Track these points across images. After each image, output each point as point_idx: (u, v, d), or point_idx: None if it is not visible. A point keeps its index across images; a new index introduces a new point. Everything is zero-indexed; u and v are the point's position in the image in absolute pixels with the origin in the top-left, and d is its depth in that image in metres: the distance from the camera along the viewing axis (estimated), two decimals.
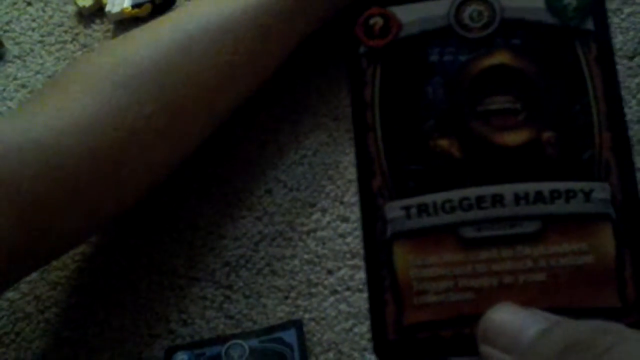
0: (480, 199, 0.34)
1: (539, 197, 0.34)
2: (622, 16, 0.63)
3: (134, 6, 0.73)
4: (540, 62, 0.36)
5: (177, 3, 0.74)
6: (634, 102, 0.58)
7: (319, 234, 0.56)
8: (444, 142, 0.35)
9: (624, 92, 0.59)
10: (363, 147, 0.36)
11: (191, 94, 0.54)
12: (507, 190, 0.34)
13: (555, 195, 0.34)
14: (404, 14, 0.37)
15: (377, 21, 0.38)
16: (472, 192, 0.34)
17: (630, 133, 0.54)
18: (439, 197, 0.34)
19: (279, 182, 0.59)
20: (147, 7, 0.73)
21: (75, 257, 0.57)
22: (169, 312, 0.54)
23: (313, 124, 0.62)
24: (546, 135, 0.35)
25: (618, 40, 0.62)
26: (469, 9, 0.37)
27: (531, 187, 0.34)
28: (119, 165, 0.50)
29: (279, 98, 0.63)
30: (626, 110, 0.57)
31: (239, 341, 0.51)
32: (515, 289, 0.34)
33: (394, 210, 0.35)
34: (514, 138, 0.35)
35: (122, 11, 0.73)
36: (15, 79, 0.72)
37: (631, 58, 0.61)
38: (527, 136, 0.35)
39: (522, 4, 0.37)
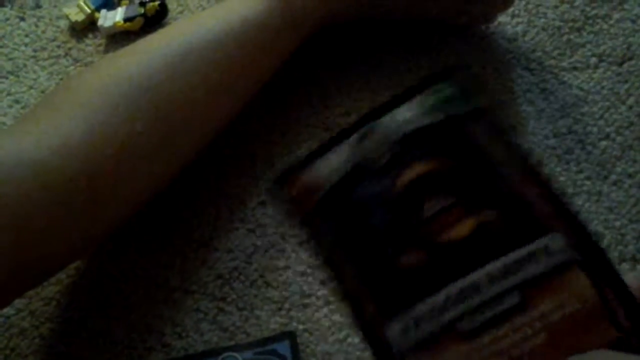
0: (461, 293, 0.35)
1: (508, 270, 0.35)
2: (611, 22, 0.64)
3: (125, 20, 0.73)
4: (450, 155, 0.38)
5: (168, 16, 0.74)
6: (623, 107, 0.59)
7: (312, 245, 0.56)
8: (409, 258, 0.37)
9: (613, 98, 0.59)
10: (347, 286, 0.40)
11: (182, 111, 0.54)
12: (479, 275, 0.35)
13: (520, 263, 0.35)
14: (315, 173, 0.40)
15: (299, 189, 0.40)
16: (452, 289, 0.35)
17: (621, 139, 0.55)
18: (426, 305, 0.36)
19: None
20: (139, 21, 0.73)
21: (69, 272, 0.57)
22: (163, 325, 0.54)
23: (305, 135, 0.62)
24: (486, 214, 0.36)
25: (607, 46, 0.62)
26: (367, 143, 0.39)
27: (497, 264, 0.35)
28: (111, 183, 0.51)
29: (270, 109, 0.63)
30: (616, 116, 0.58)
31: (233, 353, 0.51)
32: (525, 356, 0.35)
33: (392, 330, 0.36)
34: (462, 229, 0.37)
35: (114, 25, 0.73)
36: (8, 94, 0.73)
37: (620, 64, 0.61)
38: (472, 223, 0.37)
39: (406, 116, 0.39)
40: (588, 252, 0.36)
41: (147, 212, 0.56)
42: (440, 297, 0.36)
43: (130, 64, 0.54)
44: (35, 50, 0.76)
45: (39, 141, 0.49)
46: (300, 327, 0.52)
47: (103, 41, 0.74)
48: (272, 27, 0.59)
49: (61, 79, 0.72)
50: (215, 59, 0.56)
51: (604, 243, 0.53)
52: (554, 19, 0.66)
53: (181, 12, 0.75)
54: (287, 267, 0.55)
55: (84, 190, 0.49)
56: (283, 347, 0.51)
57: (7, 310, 0.56)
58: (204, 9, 0.74)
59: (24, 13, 0.78)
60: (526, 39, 0.65)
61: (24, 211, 0.47)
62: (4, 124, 0.70)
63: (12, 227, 0.46)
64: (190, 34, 0.56)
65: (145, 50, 0.55)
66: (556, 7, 0.66)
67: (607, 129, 0.58)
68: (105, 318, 0.55)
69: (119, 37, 0.74)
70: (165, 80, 0.54)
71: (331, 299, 0.53)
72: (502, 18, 0.66)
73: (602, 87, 0.61)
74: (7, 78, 0.74)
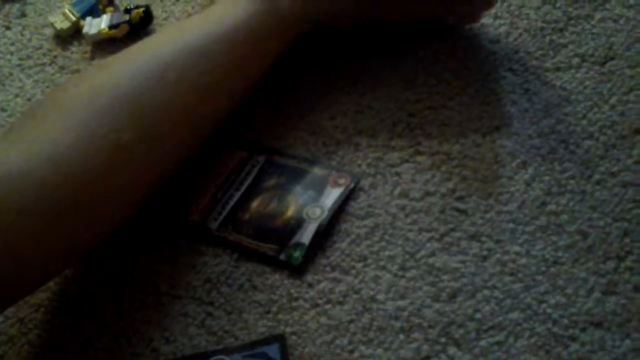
0: None
1: None
2: (593, 22, 0.64)
3: (110, 27, 0.74)
4: None
5: (153, 22, 0.74)
6: (606, 107, 0.59)
7: None
8: None
9: (596, 98, 0.59)
10: None
11: (169, 119, 0.54)
12: None
13: None
14: None
15: None
16: None
17: (604, 139, 0.55)
18: None
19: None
20: (124, 28, 0.74)
21: (57, 279, 0.57)
22: (151, 330, 0.54)
23: (291, 139, 0.62)
24: None
25: (589, 46, 0.63)
26: None
27: None
28: (98, 193, 0.51)
29: (257, 112, 0.64)
30: (599, 115, 0.58)
31: (223, 357, 0.51)
32: None
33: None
34: None
35: (99, 32, 0.74)
36: None
37: (603, 64, 0.62)
38: None
39: None
40: None
41: (134, 218, 0.56)
42: None
43: (116, 74, 0.54)
44: (21, 59, 0.76)
45: (26, 153, 0.49)
46: (288, 329, 0.52)
47: (88, 48, 0.75)
48: (258, 31, 0.59)
49: (47, 87, 0.72)
50: (203, 65, 0.56)
51: (588, 242, 0.53)
52: (536, 20, 0.66)
53: (166, 19, 0.75)
54: (274, 271, 0.55)
55: (73, 200, 0.49)
56: (272, 350, 0.51)
57: None
58: (189, 15, 0.75)
59: (9, 22, 0.79)
60: (509, 40, 0.65)
61: (13, 223, 0.47)
62: None
63: (2, 239, 0.46)
64: (176, 41, 0.57)
65: (130, 60, 0.56)
66: (538, 8, 0.67)
67: (590, 129, 0.58)
68: (94, 324, 0.55)
69: (105, 44, 0.74)
70: (152, 88, 0.54)
71: (319, 301, 0.53)
72: (485, 20, 0.66)
73: (585, 87, 0.61)
74: None
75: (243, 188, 0.59)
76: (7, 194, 0.47)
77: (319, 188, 0.58)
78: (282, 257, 0.55)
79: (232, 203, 0.59)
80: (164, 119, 0.55)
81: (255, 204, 0.58)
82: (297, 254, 0.55)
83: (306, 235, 0.55)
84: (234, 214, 0.58)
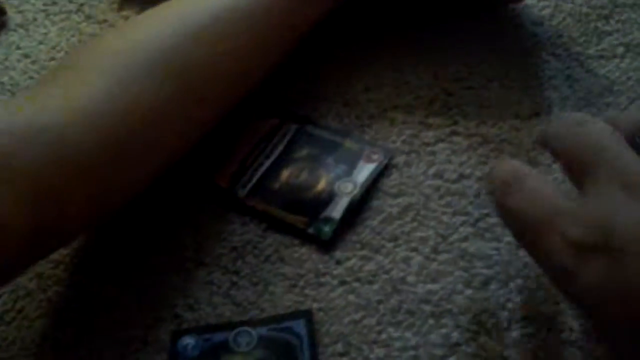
0: None
1: None
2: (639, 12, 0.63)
3: None
4: None
5: None
6: None
7: None
8: None
9: (639, 89, 0.58)
10: None
11: (204, 79, 0.53)
12: None
13: None
14: None
15: None
16: None
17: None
18: None
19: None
20: None
21: (80, 237, 0.56)
22: (174, 295, 0.53)
23: (324, 110, 0.61)
24: None
25: (634, 36, 0.62)
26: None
27: None
28: (130, 151, 0.50)
29: (291, 81, 0.62)
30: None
31: (247, 328, 0.50)
32: None
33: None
34: None
35: None
36: (18, 48, 0.71)
37: None
38: None
39: None
40: None
41: (161, 180, 0.55)
42: None
43: (155, 30, 0.53)
44: (45, 4, 0.74)
45: (62, 107, 0.48)
46: (315, 305, 0.52)
47: None
48: None
49: (72, 36, 0.71)
50: (243, 26, 0.55)
51: None
52: (581, 5, 0.65)
53: None
54: (302, 244, 0.54)
55: (106, 157, 0.49)
56: (298, 326, 0.50)
57: None
58: None
59: None
60: (552, 23, 0.64)
61: (43, 178, 0.46)
62: (12, 77, 0.68)
63: (31, 194, 0.45)
64: (215, 2, 0.55)
65: (170, 17, 0.54)
66: None
67: None
68: (115, 285, 0.54)
69: None
70: (189, 48, 0.53)
71: (347, 278, 0.52)
72: (529, 1, 0.65)
73: (629, 78, 0.60)
74: (16, 31, 0.72)
75: (273, 157, 0.58)
76: (42, 148, 0.46)
77: (352, 162, 0.57)
78: (311, 230, 0.54)
79: (261, 171, 0.58)
80: (200, 79, 0.53)
81: (285, 174, 0.57)
82: (327, 228, 0.54)
83: (337, 210, 0.54)
84: (263, 183, 0.57)
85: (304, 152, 0.58)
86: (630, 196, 0.37)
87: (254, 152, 0.59)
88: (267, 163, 0.58)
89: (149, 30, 0.54)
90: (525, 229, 0.41)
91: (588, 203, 0.39)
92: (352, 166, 0.57)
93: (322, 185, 0.56)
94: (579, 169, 0.40)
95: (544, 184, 0.42)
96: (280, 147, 0.59)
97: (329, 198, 0.55)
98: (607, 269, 0.36)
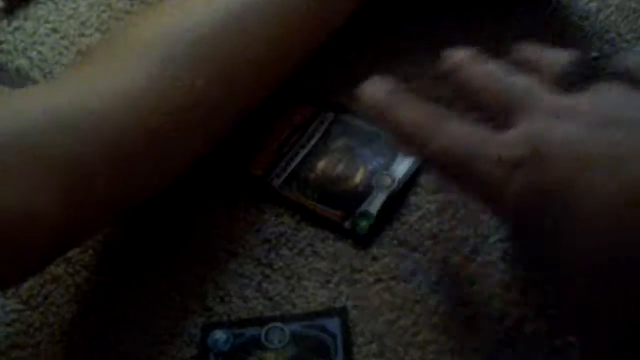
0: None
1: None
2: None
3: None
4: None
5: None
6: None
7: None
8: None
9: None
10: None
11: (242, 68, 0.52)
12: None
13: None
14: None
15: None
16: None
17: None
18: None
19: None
20: None
21: None
22: (205, 286, 0.52)
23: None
24: None
25: None
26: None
27: None
28: (167, 140, 0.49)
29: (325, 68, 0.61)
30: None
31: (280, 324, 0.49)
32: None
33: None
34: None
35: None
36: (46, 22, 0.70)
37: None
38: None
39: None
40: None
41: (195, 168, 0.54)
42: None
43: (193, 13, 0.52)
44: None
45: (100, 91, 0.46)
46: (349, 303, 0.50)
47: None
48: None
49: (103, 12, 0.69)
50: (280, 13, 0.54)
51: None
52: (629, 0, 0.63)
53: None
54: (337, 239, 0.53)
55: (138, 145, 0.47)
56: (332, 324, 0.49)
57: None
58: None
59: None
60: (599, 17, 0.62)
61: (80, 166, 0.44)
62: (40, 52, 0.67)
63: (67, 182, 0.44)
64: None
65: (209, 3, 0.53)
66: None
67: None
68: (145, 273, 0.53)
69: None
70: (228, 35, 0.52)
71: (383, 276, 0.51)
72: None
73: None
74: (45, 4, 0.71)
75: (309, 146, 0.57)
76: (76, 131, 0.45)
77: (390, 155, 0.55)
78: (346, 225, 0.53)
79: (297, 161, 0.56)
80: (238, 68, 0.52)
81: (321, 164, 0.56)
82: (363, 223, 0.52)
83: (374, 205, 0.53)
84: (298, 173, 0.56)
85: (340, 142, 0.57)
86: (559, 119, 0.40)
87: (290, 141, 0.57)
88: (303, 152, 0.56)
89: (186, 11, 0.53)
90: (456, 164, 0.43)
91: (518, 129, 0.41)
92: (391, 159, 0.55)
93: (359, 178, 0.55)
94: (505, 107, 0.43)
95: (465, 123, 0.44)
96: (317, 137, 0.57)
97: (366, 192, 0.54)
98: (534, 174, 0.39)
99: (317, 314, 0.50)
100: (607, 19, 0.62)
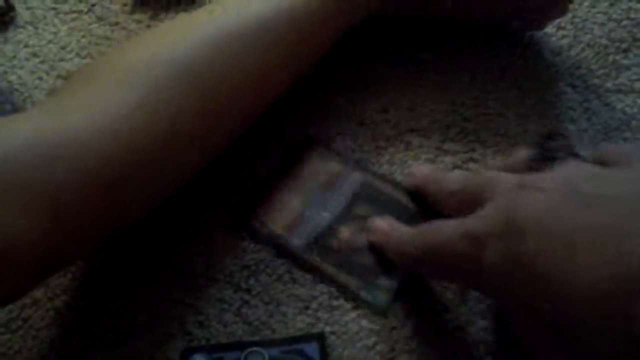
0: None
1: None
2: None
3: None
4: None
5: None
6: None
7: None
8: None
9: None
10: None
11: (224, 96, 0.52)
12: None
13: None
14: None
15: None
16: None
17: None
18: None
19: None
20: None
21: None
22: (185, 311, 0.52)
23: (339, 128, 0.60)
24: None
25: None
26: None
27: None
28: (151, 166, 0.49)
29: (307, 98, 0.62)
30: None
31: (259, 349, 0.50)
32: None
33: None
34: None
35: None
36: (26, 46, 0.70)
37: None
38: None
39: None
40: None
41: (174, 196, 0.54)
42: None
43: (175, 42, 0.52)
44: (55, 2, 0.73)
45: (81, 120, 0.47)
46: (327, 328, 0.51)
47: (129, 1, 0.72)
48: (320, 12, 0.57)
49: (83, 37, 0.70)
50: (267, 38, 0.54)
51: None
52: (600, 37, 0.65)
53: None
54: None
55: (123, 173, 0.48)
56: (311, 349, 0.50)
57: None
58: None
59: None
60: (571, 53, 0.64)
61: (66, 194, 0.45)
62: (20, 77, 0.67)
63: (53, 210, 0.44)
64: (240, 12, 0.54)
65: (192, 30, 0.53)
66: (603, 24, 0.65)
67: None
68: (125, 298, 0.53)
69: None
70: (213, 60, 0.52)
71: None
72: (548, 29, 0.65)
73: None
74: (25, 29, 0.71)
75: (333, 209, 0.56)
76: (66, 162, 0.45)
77: (414, 225, 0.52)
78: (364, 294, 0.52)
79: (320, 224, 0.55)
80: (224, 92, 0.52)
81: (345, 232, 0.55)
82: (382, 295, 0.52)
83: (395, 277, 0.52)
84: (320, 238, 0.54)
85: (365, 208, 0.55)
86: (527, 191, 0.42)
87: (313, 200, 0.56)
88: (327, 216, 0.55)
89: (169, 41, 0.53)
90: (433, 252, 0.47)
91: (487, 207, 0.44)
92: None
93: None
94: (474, 200, 0.45)
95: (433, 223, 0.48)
96: (342, 200, 0.56)
97: (389, 263, 0.52)
98: (508, 248, 0.41)
99: (296, 339, 0.51)
100: (578, 55, 0.64)
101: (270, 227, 0.55)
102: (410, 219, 0.53)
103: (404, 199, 0.56)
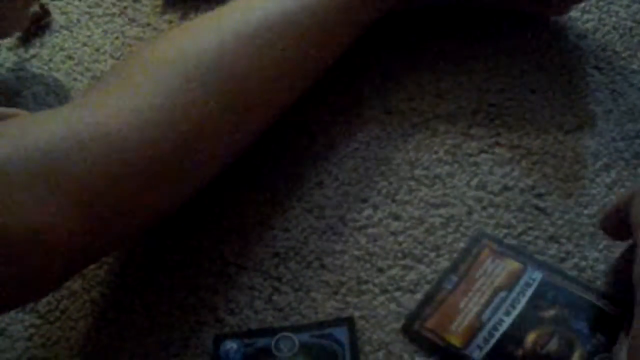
0: None
1: None
2: None
3: None
4: None
5: None
6: None
7: (370, 230, 0.55)
8: None
9: None
10: None
11: (253, 89, 0.53)
12: None
13: None
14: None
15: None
16: None
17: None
18: None
19: (330, 175, 0.58)
20: None
21: None
22: (216, 299, 0.53)
23: (366, 117, 0.61)
24: None
25: None
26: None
27: None
28: (180, 161, 0.50)
29: (333, 89, 0.63)
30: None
31: (289, 334, 0.51)
32: None
33: None
34: None
35: None
36: (62, 49, 0.72)
37: None
38: None
39: None
40: None
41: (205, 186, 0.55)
42: None
43: (204, 37, 0.53)
44: (89, 7, 0.75)
45: (114, 115, 0.48)
46: (356, 313, 0.52)
47: (160, 2, 0.73)
48: (345, 5, 0.58)
49: (116, 39, 0.71)
50: (291, 35, 0.55)
51: None
52: (625, 19, 0.65)
53: None
54: (343, 251, 0.55)
55: (152, 166, 0.49)
56: (340, 333, 0.51)
57: None
58: None
59: None
60: (596, 36, 0.64)
61: (97, 187, 0.46)
62: (56, 79, 0.69)
63: (84, 203, 0.45)
64: (265, 9, 0.55)
65: (218, 24, 0.54)
66: (628, 6, 0.65)
67: None
68: (158, 288, 0.55)
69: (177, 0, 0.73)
70: (238, 58, 0.53)
71: (389, 287, 0.53)
72: (573, 13, 0.65)
73: None
74: (60, 33, 0.73)
75: (515, 314, 0.49)
76: (95, 156, 0.46)
77: (611, 332, 0.47)
78: None
79: (501, 331, 0.48)
80: (253, 86, 0.54)
81: (531, 337, 0.48)
82: None
83: None
84: (503, 346, 0.48)
85: (551, 311, 0.49)
86: None
87: (490, 304, 0.50)
88: (508, 320, 0.49)
89: (198, 36, 0.54)
90: None
91: None
92: (612, 337, 0.47)
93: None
94: None
95: None
96: (523, 301, 0.49)
97: None
98: None
99: (326, 324, 0.51)
100: (603, 37, 0.64)
101: (444, 337, 0.49)
102: (605, 327, 0.47)
103: (593, 299, 0.49)
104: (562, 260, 0.52)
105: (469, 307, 0.50)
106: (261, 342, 0.51)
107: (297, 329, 0.51)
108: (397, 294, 0.52)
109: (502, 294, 0.50)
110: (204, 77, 0.51)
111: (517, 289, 0.50)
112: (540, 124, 0.59)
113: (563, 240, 0.53)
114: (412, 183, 0.57)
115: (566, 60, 0.62)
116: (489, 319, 0.49)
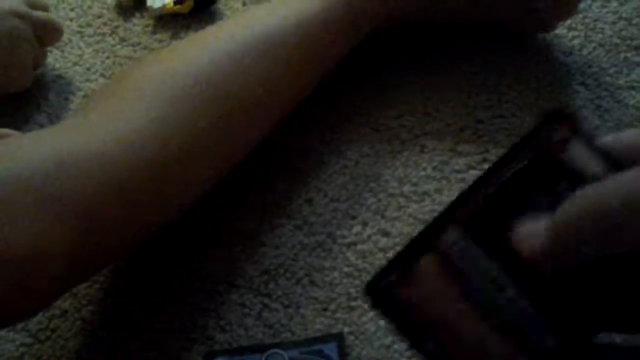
0: None
1: None
2: None
3: (175, 2, 0.73)
4: None
5: (219, 1, 0.74)
6: None
7: (359, 247, 0.56)
8: None
9: None
10: None
11: (240, 109, 0.54)
12: None
13: None
14: None
15: None
16: None
17: None
18: None
19: (319, 192, 0.59)
20: (189, 4, 0.73)
21: None
22: (206, 317, 0.54)
23: (354, 134, 0.62)
24: None
25: None
26: None
27: None
28: (166, 180, 0.50)
29: (323, 106, 0.63)
30: None
31: (279, 351, 0.51)
32: None
33: None
34: None
35: (163, 7, 0.73)
36: (53, 69, 0.72)
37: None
38: None
39: None
40: None
41: (195, 204, 0.56)
42: None
43: (191, 58, 0.54)
44: (80, 26, 0.75)
45: (104, 134, 0.48)
46: (346, 329, 0.52)
47: (151, 22, 0.74)
48: (332, 25, 0.59)
49: (107, 58, 0.72)
50: (279, 54, 0.56)
51: None
52: (611, 36, 0.65)
53: None
54: (333, 268, 0.55)
55: (141, 184, 0.49)
56: (330, 349, 0.51)
57: None
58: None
59: None
60: (583, 53, 0.64)
61: (89, 205, 0.46)
62: (47, 99, 0.69)
63: (80, 220, 0.46)
64: (251, 29, 0.56)
65: (206, 45, 0.55)
66: (614, 23, 0.66)
67: None
68: (148, 306, 0.55)
69: (168, 19, 0.74)
70: (226, 75, 0.53)
71: None
72: (559, 30, 0.66)
73: None
74: (51, 52, 0.73)
75: None
76: (86, 176, 0.47)
77: None
78: None
79: None
80: (238, 107, 0.54)
81: None
82: None
83: None
84: None
85: None
86: None
87: None
88: None
89: (186, 55, 0.55)
90: None
91: None
92: None
93: None
94: None
95: None
96: None
97: None
98: None
99: (315, 340, 0.52)
100: (589, 54, 0.64)
101: None
102: None
103: None
104: None
105: None
106: (251, 358, 0.51)
107: (287, 345, 0.52)
108: None
109: None
110: (193, 97, 0.52)
111: None
112: None
113: None
114: (401, 199, 0.57)
115: (552, 76, 0.63)
116: None
